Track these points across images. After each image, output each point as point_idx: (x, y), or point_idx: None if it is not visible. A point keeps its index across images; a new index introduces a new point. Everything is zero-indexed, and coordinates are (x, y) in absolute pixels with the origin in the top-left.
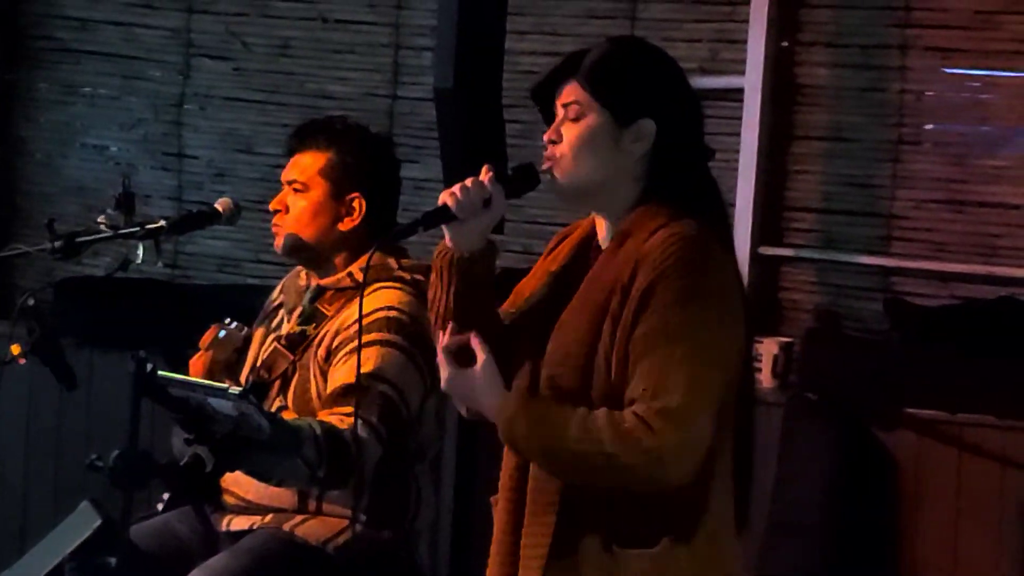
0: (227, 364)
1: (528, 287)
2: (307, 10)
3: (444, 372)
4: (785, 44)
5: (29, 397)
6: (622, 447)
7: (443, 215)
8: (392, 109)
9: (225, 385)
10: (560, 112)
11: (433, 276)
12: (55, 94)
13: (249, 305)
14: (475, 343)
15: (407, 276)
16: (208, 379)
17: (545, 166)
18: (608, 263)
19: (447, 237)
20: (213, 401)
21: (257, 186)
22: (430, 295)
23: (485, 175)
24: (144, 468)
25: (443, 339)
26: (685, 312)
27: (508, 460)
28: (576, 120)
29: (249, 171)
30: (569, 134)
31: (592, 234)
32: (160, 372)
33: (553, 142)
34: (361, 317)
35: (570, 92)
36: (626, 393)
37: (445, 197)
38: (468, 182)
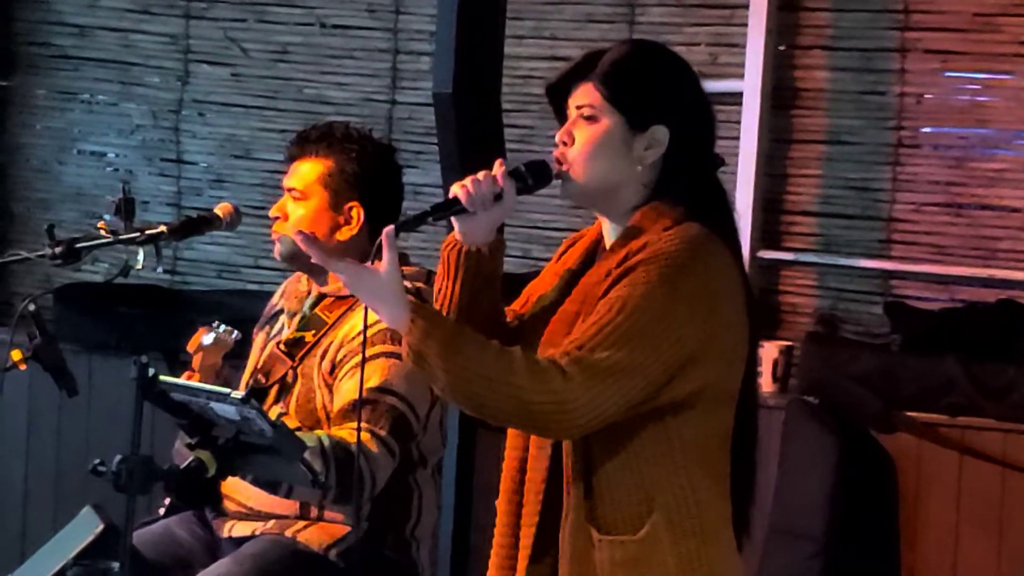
0: (215, 369)
1: (538, 290)
2: (305, 15)
3: (349, 270)
4: (784, 47)
5: (30, 403)
6: (531, 381)
7: (453, 207)
8: (391, 114)
9: (227, 390)
10: (573, 112)
11: (440, 268)
12: (53, 100)
13: (249, 311)
14: (385, 243)
15: (408, 284)
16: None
17: (556, 167)
18: (605, 262)
19: (456, 230)
20: (215, 406)
21: (256, 192)
22: (436, 287)
23: (498, 169)
24: (146, 473)
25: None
26: (651, 296)
27: (510, 463)
28: (589, 122)
29: (248, 177)
30: (581, 136)
31: (601, 238)
32: (161, 377)
33: (565, 143)
34: (365, 329)
35: (585, 93)
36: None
37: (456, 189)
38: (480, 175)
